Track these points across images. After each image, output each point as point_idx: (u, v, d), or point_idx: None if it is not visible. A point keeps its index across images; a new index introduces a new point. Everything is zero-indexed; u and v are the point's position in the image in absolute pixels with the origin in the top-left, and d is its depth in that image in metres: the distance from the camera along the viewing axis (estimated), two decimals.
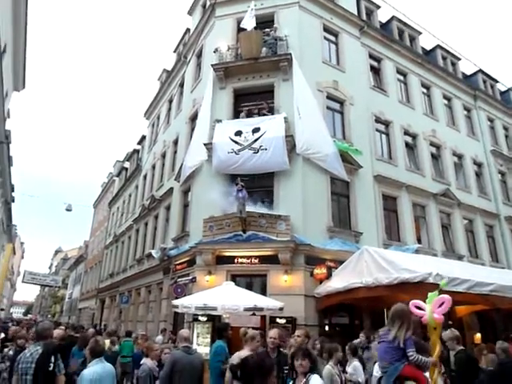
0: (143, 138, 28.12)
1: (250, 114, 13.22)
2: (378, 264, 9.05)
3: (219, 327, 6.33)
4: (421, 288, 7.81)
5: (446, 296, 4.61)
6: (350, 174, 13.39)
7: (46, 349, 4.44)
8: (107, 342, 8.34)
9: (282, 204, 12.02)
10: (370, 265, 9.28)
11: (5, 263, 30.47)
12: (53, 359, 4.38)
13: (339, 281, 10.09)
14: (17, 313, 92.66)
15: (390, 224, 14.74)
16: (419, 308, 4.67)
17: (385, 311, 12.09)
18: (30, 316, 58.33)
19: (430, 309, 4.56)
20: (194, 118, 16.11)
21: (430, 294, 4.74)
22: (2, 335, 9.63)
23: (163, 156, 20.46)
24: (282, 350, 5.49)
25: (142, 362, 6.31)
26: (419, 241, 15.30)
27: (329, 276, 10.81)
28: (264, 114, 13.08)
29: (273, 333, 5.38)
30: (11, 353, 6.65)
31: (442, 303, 4.56)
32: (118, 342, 10.07)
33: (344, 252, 11.64)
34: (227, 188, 12.52)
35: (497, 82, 24.52)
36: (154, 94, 24.97)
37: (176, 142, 18.47)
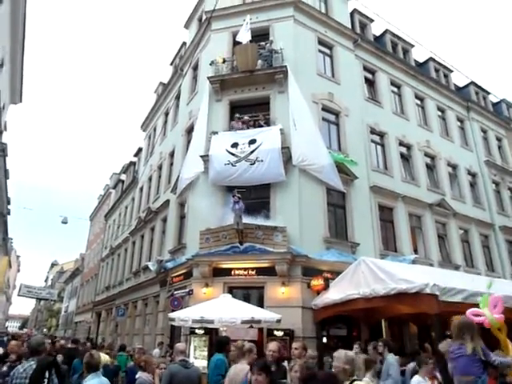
0: (140, 150, 28.17)
1: (244, 124, 13.35)
2: (375, 275, 9.03)
3: (220, 341, 6.27)
4: (418, 299, 7.82)
5: (497, 295, 4.67)
6: (346, 185, 13.44)
7: (40, 364, 4.38)
8: (104, 355, 8.18)
9: (279, 215, 12.02)
10: (367, 276, 9.25)
11: (0, 277, 30.10)
12: (47, 374, 4.31)
13: (336, 292, 10.05)
14: (12, 327, 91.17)
15: (386, 234, 14.76)
16: (477, 315, 4.71)
17: (382, 322, 12.08)
18: (25, 330, 57.37)
19: (489, 312, 4.61)
20: (190, 130, 16.17)
21: (480, 299, 4.78)
22: (1, 350, 9.39)
23: (159, 168, 20.47)
24: (281, 363, 5.44)
25: (137, 376, 6.21)
26: (416, 251, 15.31)
27: (326, 287, 10.77)
28: (260, 126, 13.18)
29: (272, 346, 5.34)
30: (5, 368, 6.53)
31: (496, 305, 4.61)
32: (113, 356, 9.90)
33: (341, 263, 11.62)
34: (224, 200, 12.53)
35: (489, 93, 24.89)
36: (151, 106, 25.13)
37: (172, 154, 18.50)
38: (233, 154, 12.52)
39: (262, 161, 12.17)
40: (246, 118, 13.51)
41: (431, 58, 22.11)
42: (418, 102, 19.60)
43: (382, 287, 8.62)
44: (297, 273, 11.43)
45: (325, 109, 14.60)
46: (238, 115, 13.67)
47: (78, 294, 41.27)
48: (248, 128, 13.26)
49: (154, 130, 24.04)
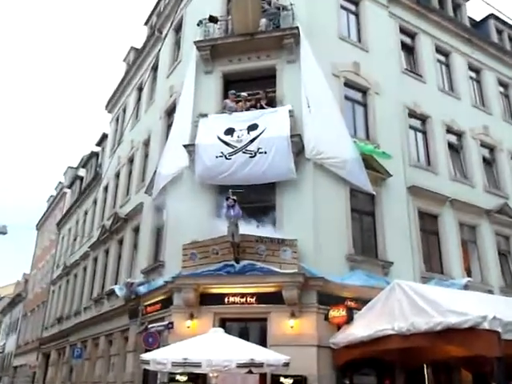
0: (104, 137, 28.32)
1: (242, 104, 13.47)
2: (414, 304, 9.10)
3: None
4: (472, 337, 7.86)
5: None
6: (375, 185, 13.53)
7: None
8: None
9: (287, 225, 12.11)
10: (403, 305, 9.32)
11: None
12: None
13: (363, 327, 10.12)
14: None
15: (429, 251, 14.84)
16: None
17: (424, 367, 12.12)
18: None
19: None
20: (171, 112, 16.25)
21: None
22: None
23: (130, 161, 20.60)
24: None
25: None
26: (469, 273, 15.39)
27: (349, 320, 10.86)
28: (263, 107, 13.25)
29: None
30: None
31: None
32: None
33: (369, 288, 11.70)
34: (215, 203, 12.61)
35: None
36: (119, 79, 25.30)
37: (147, 143, 18.62)
38: (227, 144, 12.60)
39: (265, 152, 12.25)
40: (244, 94, 13.62)
41: (492, 15, 21.93)
42: (473, 75, 19.72)
43: (423, 321, 8.67)
44: (311, 300, 11.50)
45: (348, 84, 14.70)
46: (233, 92, 13.77)
47: (18, 328, 41.38)
48: (247, 109, 13.33)
49: (124, 110, 24.17)
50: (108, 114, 27.67)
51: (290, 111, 12.82)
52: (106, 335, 18.39)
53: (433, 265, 14.68)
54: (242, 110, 13.36)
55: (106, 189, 24.11)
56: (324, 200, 12.57)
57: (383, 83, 15.42)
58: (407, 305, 9.25)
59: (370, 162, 13.44)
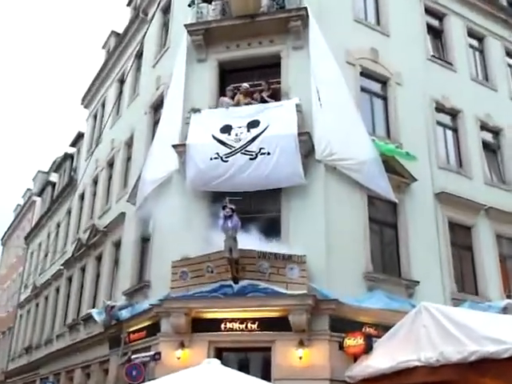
0: (79, 136, 28.46)
1: (240, 97, 13.52)
2: (444, 330, 9.05)
3: None
4: None
5: None
6: (398, 192, 13.55)
7: None
8: None
9: (295, 238, 12.14)
10: (431, 332, 9.28)
11: None
12: None
13: (384, 357, 10.07)
14: None
15: (461, 268, 14.82)
16: None
17: None
18: None
19: None
20: (157, 107, 16.35)
21: None
22: None
23: (110, 164, 20.68)
24: None
25: None
26: (509, 295, 15.29)
27: (368, 349, 10.82)
28: (265, 101, 13.31)
29: None
30: None
31: None
32: None
33: (390, 312, 11.71)
34: (209, 214, 12.66)
35: None
36: (97, 69, 25.43)
37: (130, 143, 18.70)
38: (223, 143, 12.66)
39: (268, 153, 12.30)
40: (244, 85, 13.66)
41: None
42: None
43: (454, 350, 8.64)
44: (322, 327, 11.50)
45: (366, 74, 14.79)
46: (231, 88, 13.83)
47: None
48: (247, 103, 13.41)
49: (102, 105, 24.29)
50: (84, 109, 27.81)
51: (297, 105, 12.85)
52: (82, 367, 18.36)
53: (466, 284, 14.67)
54: (239, 104, 13.43)
55: (81, 197, 24.20)
56: (337, 209, 12.60)
57: (406, 72, 15.48)
58: (436, 331, 9.21)
59: (391, 165, 13.48)
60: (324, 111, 12.82)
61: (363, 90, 14.62)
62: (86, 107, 27.55)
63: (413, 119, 15.11)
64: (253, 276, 11.72)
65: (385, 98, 15.08)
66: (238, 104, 13.50)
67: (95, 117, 25.49)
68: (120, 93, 21.30)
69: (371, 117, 14.51)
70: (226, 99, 13.74)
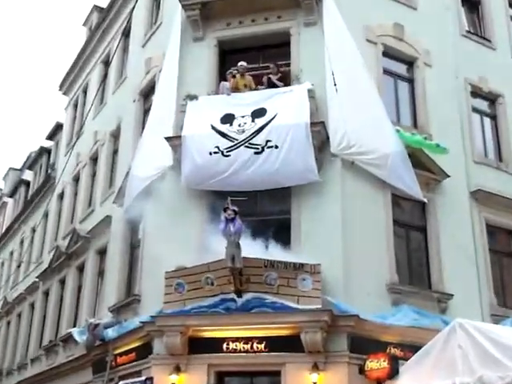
0: (58, 127, 28.50)
1: (243, 80, 13.56)
2: (482, 352, 8.99)
3: None
4: None
5: None
6: (427, 190, 13.60)
7: None
8: None
9: (307, 244, 12.20)
10: (468, 353, 9.22)
11: None
12: None
13: (413, 382, 10.11)
14: None
15: (502, 278, 14.83)
16: None
17: None
18: None
19: None
20: (148, 93, 16.45)
21: None
22: None
23: (94, 160, 20.81)
24: None
25: None
26: None
27: (393, 374, 10.76)
28: (273, 85, 13.38)
29: None
30: None
31: None
32: None
33: (420, 330, 11.74)
34: (208, 216, 12.74)
35: None
36: (78, 50, 25.47)
37: (117, 135, 18.80)
38: (224, 135, 12.74)
39: (276, 147, 12.37)
40: (241, 64, 13.61)
41: None
42: None
43: (496, 374, 8.63)
44: (340, 347, 11.52)
45: (389, 53, 14.83)
46: (232, 71, 13.86)
47: None
48: (251, 88, 13.50)
49: (84, 92, 24.36)
50: (63, 96, 27.83)
51: (309, 91, 12.89)
52: None
53: (507, 298, 14.66)
54: (240, 89, 13.49)
55: (60, 197, 24.30)
56: (357, 210, 12.65)
57: (436, 51, 15.51)
58: (473, 353, 9.16)
59: (418, 159, 13.53)
60: (341, 97, 12.83)
61: (386, 72, 14.67)
62: (64, 94, 27.57)
63: (444, 105, 15.11)
64: (259, 288, 11.76)
65: (411, 81, 15.12)
66: (236, 88, 13.55)
67: (76, 105, 25.52)
68: (104, 77, 21.35)
69: (395, 103, 14.58)
70: (227, 84, 13.79)
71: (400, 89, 15.03)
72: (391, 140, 12.99)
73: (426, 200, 13.45)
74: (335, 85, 12.93)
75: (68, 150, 24.43)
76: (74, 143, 23.19)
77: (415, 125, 14.58)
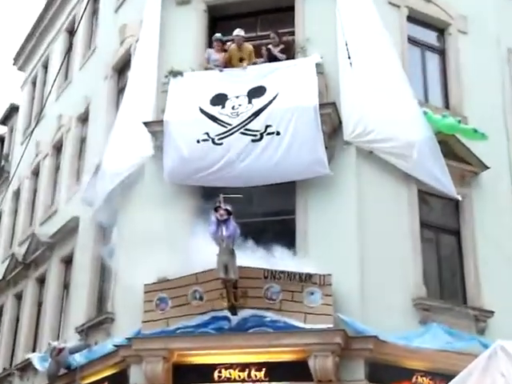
0: (12, 110, 28.46)
1: (239, 50, 13.58)
2: None
3: None
4: None
5: None
6: (461, 185, 13.68)
7: None
8: None
9: (315, 250, 12.28)
10: None
11: None
12: None
13: None
14: None
15: None
16: None
17: None
18: None
19: None
20: (123, 68, 16.57)
21: None
22: None
23: (57, 149, 20.96)
24: None
25: None
26: None
27: None
28: (274, 58, 13.42)
29: None
30: None
31: None
32: None
33: (453, 354, 11.73)
34: (195, 217, 12.78)
35: None
36: (36, 16, 25.49)
37: (85, 120, 18.89)
38: (215, 120, 12.81)
39: (277, 133, 12.45)
40: (237, 33, 13.57)
41: None
42: None
43: None
44: (356, 375, 11.55)
45: (415, 18, 14.92)
46: (220, 37, 13.81)
47: None
48: (251, 62, 13.50)
49: (45, 67, 24.39)
50: (18, 72, 27.77)
51: (317, 65, 12.95)
52: None
53: None
54: (233, 64, 13.53)
55: (16, 195, 24.40)
56: (375, 210, 12.74)
57: (473, 16, 15.55)
58: None
59: (451, 147, 13.65)
60: (356, 72, 12.87)
61: (412, 41, 14.77)
62: (20, 69, 27.50)
63: (483, 82, 15.18)
64: (258, 304, 11.80)
65: (442, 52, 15.25)
66: (230, 64, 13.57)
67: (34, 83, 25.49)
68: (69, 49, 21.29)
69: (422, 79, 14.69)
70: (213, 52, 13.83)
71: (428, 61, 15.15)
72: (417, 124, 13.05)
73: (459, 197, 13.42)
74: (349, 57, 12.92)
75: (25, 137, 24.44)
76: (33, 129, 22.99)
77: (447, 105, 14.68)
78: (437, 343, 12.02)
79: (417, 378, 11.72)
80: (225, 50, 13.79)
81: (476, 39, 15.51)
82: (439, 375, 11.61)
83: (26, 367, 18.15)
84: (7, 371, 20.33)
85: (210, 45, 14.29)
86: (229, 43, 13.86)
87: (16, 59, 27.57)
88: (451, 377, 10.49)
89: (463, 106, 14.70)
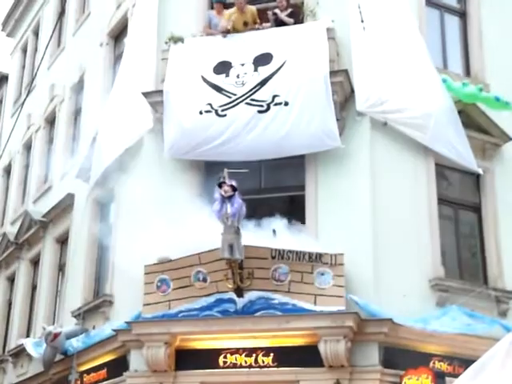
0: (1, 80, 28.36)
1: (241, 14, 13.60)
2: None
3: None
4: None
5: None
6: (482, 158, 13.71)
7: None
8: None
9: (326, 228, 12.36)
10: None
11: None
12: None
13: None
14: None
15: None
16: None
17: None
18: None
19: None
20: (119, 34, 16.65)
21: None
22: None
23: (50, 122, 21.02)
24: None
25: None
26: None
27: None
28: (281, 23, 13.42)
29: None
30: None
31: None
32: None
33: (473, 338, 11.85)
34: (198, 194, 12.92)
35: None
36: None
37: (79, 90, 18.92)
38: (219, 89, 12.84)
39: (285, 104, 12.46)
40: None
41: None
42: None
43: None
44: (369, 360, 11.63)
45: None
46: None
47: None
48: (255, 23, 13.57)
49: (36, 33, 24.37)
50: (7, 38, 27.66)
51: (328, 30, 12.93)
52: None
53: None
54: (237, 29, 13.50)
55: (7, 171, 24.55)
56: (390, 185, 12.75)
57: None
58: None
59: (472, 117, 13.65)
60: (369, 37, 12.83)
61: (430, 2, 14.70)
62: (9, 36, 27.39)
63: (506, 46, 15.13)
64: (265, 286, 11.86)
65: (463, 15, 15.17)
66: (233, 28, 13.47)
67: (25, 50, 25.40)
68: (61, 13, 21.28)
69: (442, 44, 14.64)
70: (213, 14, 13.87)
71: (448, 25, 15.06)
72: (436, 93, 12.98)
73: (481, 171, 13.44)
74: (362, 21, 12.89)
75: (16, 109, 24.54)
76: (24, 100, 22.97)
77: (468, 72, 14.68)
78: (455, 326, 12.04)
79: (434, 363, 11.76)
80: (227, 13, 13.70)
81: (499, 0, 15.43)
82: (458, 360, 11.72)
83: (20, 353, 18.32)
84: (0, 358, 20.50)
85: (213, 8, 14.24)
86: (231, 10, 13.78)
87: (4, 24, 27.45)
88: (471, 362, 10.46)
89: (485, 73, 14.67)
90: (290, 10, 13.66)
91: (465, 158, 13.13)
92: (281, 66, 12.74)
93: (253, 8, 13.69)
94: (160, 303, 12.36)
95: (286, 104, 12.47)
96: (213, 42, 13.63)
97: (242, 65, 12.95)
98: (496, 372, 9.96)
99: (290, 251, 11.86)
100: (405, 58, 13.09)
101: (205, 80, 13.01)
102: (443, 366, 11.82)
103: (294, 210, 12.79)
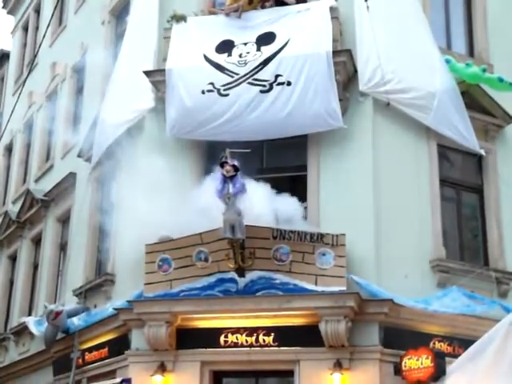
0: (2, 58, 28.21)
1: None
2: None
3: None
4: None
5: None
6: (485, 139, 13.70)
7: None
8: None
9: (327, 209, 12.36)
10: None
11: None
12: None
13: None
14: None
15: None
16: None
17: None
18: None
19: None
20: (121, 12, 16.59)
21: None
22: None
23: (52, 101, 20.89)
24: None
25: None
26: None
27: (439, 374, 10.92)
28: (283, 2, 13.34)
29: None
30: None
31: None
32: None
33: (473, 318, 11.90)
34: (200, 173, 12.93)
35: None
36: None
37: (81, 69, 18.85)
38: (222, 69, 12.81)
39: (288, 83, 12.45)
40: None
41: None
42: None
43: None
44: (370, 340, 11.70)
45: None
46: None
47: None
48: (256, 7, 13.49)
49: (37, 11, 24.30)
50: (8, 16, 27.55)
51: (331, 9, 12.86)
52: None
53: None
54: (241, 9, 13.33)
55: (8, 150, 24.55)
56: (392, 166, 12.75)
57: None
58: None
59: (475, 98, 13.62)
60: (373, 17, 12.71)
61: None
62: (10, 13, 27.25)
63: (511, 27, 15.11)
64: (266, 265, 11.91)
65: None
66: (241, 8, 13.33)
67: (26, 28, 25.27)
68: None
69: (445, 24, 14.59)
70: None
71: (452, 4, 14.99)
72: (439, 73, 12.99)
73: (483, 152, 13.46)
74: (366, 0, 12.74)
75: (17, 87, 24.44)
76: (25, 79, 22.83)
77: (471, 52, 14.62)
78: (456, 307, 12.07)
79: (434, 343, 11.81)
80: None
81: None
82: (458, 340, 11.77)
83: (22, 331, 18.39)
84: (2, 336, 20.56)
85: None
86: None
87: (5, 2, 27.30)
88: (471, 342, 10.71)
89: (489, 54, 14.64)
90: None
91: (467, 139, 13.12)
92: (284, 46, 12.69)
93: None
94: (161, 282, 12.42)
95: (289, 84, 12.46)
96: (215, 21, 13.60)
97: (245, 44, 12.92)
98: (495, 352, 10.08)
99: (291, 231, 11.91)
100: (408, 38, 13.09)
101: (207, 59, 12.97)
102: (443, 347, 11.86)
103: (296, 191, 12.67)
